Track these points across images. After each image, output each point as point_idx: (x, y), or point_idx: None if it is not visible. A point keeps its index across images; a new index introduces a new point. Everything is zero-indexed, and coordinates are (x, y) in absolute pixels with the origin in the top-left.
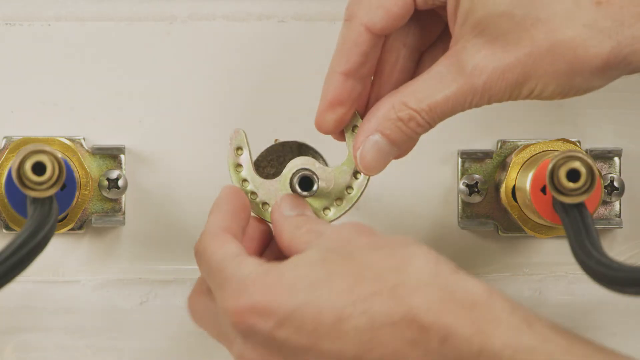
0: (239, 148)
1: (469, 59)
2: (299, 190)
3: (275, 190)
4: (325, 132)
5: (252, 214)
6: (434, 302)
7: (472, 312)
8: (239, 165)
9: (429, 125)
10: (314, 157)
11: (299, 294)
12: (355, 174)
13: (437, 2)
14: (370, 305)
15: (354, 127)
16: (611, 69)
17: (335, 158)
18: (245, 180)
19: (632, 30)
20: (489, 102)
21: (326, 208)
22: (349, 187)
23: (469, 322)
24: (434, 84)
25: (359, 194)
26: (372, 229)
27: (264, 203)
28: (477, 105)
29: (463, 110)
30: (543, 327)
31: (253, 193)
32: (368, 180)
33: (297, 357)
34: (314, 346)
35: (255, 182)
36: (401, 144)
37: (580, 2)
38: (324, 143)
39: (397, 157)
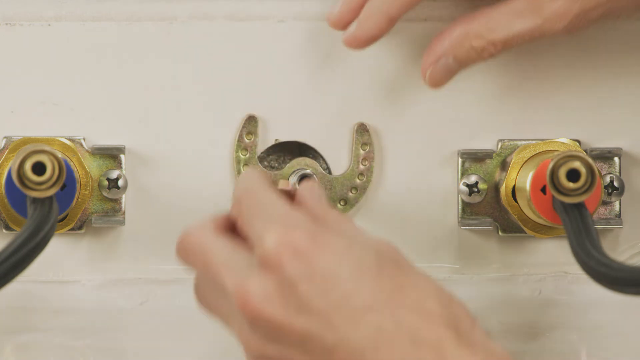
0: (250, 133)
1: (548, 5)
2: None
3: (272, 184)
4: (355, 49)
5: None
6: (462, 346)
7: None
8: (244, 149)
9: (499, 53)
10: (314, 157)
11: (344, 264)
12: (351, 189)
13: None
14: (404, 315)
15: (363, 144)
16: None
17: (335, 159)
18: (246, 164)
19: None
20: (564, 36)
21: None
22: (343, 199)
23: None
24: (511, 18)
25: (349, 210)
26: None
27: None
28: (552, 37)
29: (537, 41)
30: None
31: None
32: (361, 196)
33: (300, 314)
34: (327, 317)
35: None
36: (469, 66)
37: None
38: (324, 143)
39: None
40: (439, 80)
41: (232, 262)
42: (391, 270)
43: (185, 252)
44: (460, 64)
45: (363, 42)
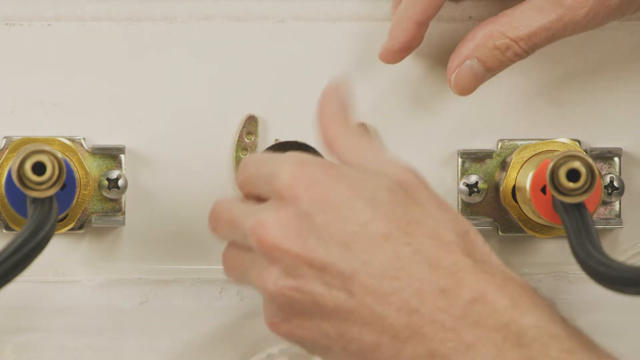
0: (249, 133)
1: None
2: None
3: None
4: (391, 62)
5: None
6: (478, 271)
7: (508, 288)
8: (244, 149)
9: (527, 53)
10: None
11: (359, 195)
12: None
13: None
14: (421, 243)
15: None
16: None
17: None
18: None
19: None
20: (587, 29)
21: None
22: None
23: (506, 295)
24: (533, 14)
25: None
26: None
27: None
28: (577, 33)
29: (561, 38)
30: (571, 325)
31: None
32: None
33: (318, 244)
34: (345, 246)
35: None
36: (496, 70)
37: None
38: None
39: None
40: (465, 85)
41: (252, 209)
42: (406, 201)
43: (215, 218)
44: (486, 66)
45: (395, 53)
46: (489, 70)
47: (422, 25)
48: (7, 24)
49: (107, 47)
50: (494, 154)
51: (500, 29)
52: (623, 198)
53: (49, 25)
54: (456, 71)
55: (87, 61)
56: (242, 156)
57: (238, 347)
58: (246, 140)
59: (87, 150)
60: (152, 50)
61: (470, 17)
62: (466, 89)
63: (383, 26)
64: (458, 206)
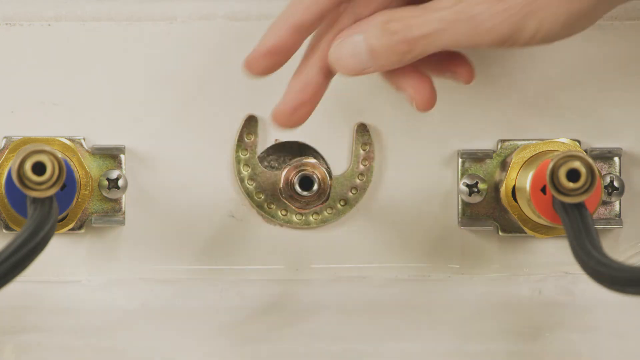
0: (249, 133)
1: (473, 7)
2: (298, 189)
3: (272, 183)
4: (253, 75)
5: None
6: None
7: None
8: (244, 149)
9: (409, 53)
10: (314, 157)
11: None
12: (351, 189)
13: None
14: None
15: (363, 144)
16: None
17: (335, 159)
18: (246, 164)
19: None
20: (487, 47)
21: (315, 213)
22: (343, 199)
23: None
24: (423, 14)
25: (349, 210)
26: None
27: (259, 192)
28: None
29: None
30: None
31: (251, 179)
32: (361, 196)
33: None
34: None
35: (256, 170)
36: (383, 60)
37: None
38: (324, 143)
39: (373, 71)
40: (345, 59)
41: None
42: None
43: None
44: (372, 51)
45: (261, 57)
46: (375, 56)
47: (298, 30)
48: (7, 24)
49: (107, 47)
50: (494, 154)
51: (392, 16)
52: (623, 198)
53: (49, 25)
54: (335, 44)
55: (87, 61)
56: (242, 156)
57: (239, 348)
58: (246, 140)
59: (87, 150)
60: (152, 50)
61: None
62: (341, 59)
63: None
64: (458, 206)
